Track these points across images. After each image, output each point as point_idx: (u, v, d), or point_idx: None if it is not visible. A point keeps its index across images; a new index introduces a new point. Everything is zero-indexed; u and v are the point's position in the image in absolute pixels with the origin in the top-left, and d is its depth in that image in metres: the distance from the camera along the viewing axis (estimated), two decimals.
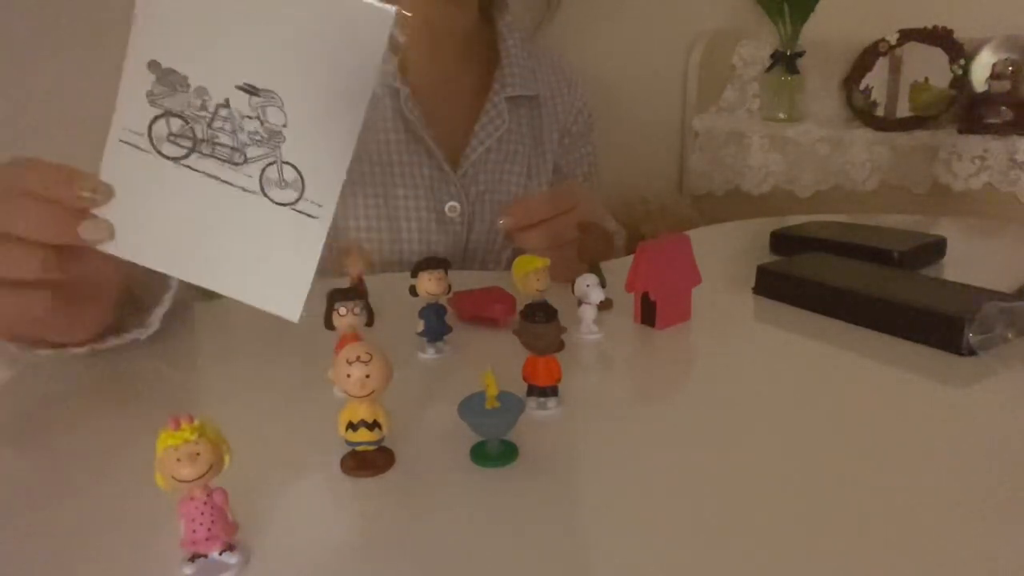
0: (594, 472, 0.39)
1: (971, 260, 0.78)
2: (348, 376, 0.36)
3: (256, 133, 0.45)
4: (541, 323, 0.42)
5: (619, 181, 1.06)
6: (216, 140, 0.45)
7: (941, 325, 0.53)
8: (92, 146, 0.47)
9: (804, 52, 1.54)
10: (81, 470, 0.41)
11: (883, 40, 1.46)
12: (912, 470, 0.38)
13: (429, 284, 0.53)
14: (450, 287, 0.54)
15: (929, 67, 1.43)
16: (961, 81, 1.38)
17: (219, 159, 0.45)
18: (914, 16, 1.43)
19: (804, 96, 1.58)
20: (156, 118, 0.45)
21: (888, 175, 1.42)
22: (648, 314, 0.59)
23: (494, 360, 0.41)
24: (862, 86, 1.50)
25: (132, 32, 0.44)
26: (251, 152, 0.45)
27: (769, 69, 1.58)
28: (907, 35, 1.44)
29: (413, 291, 0.53)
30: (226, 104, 0.45)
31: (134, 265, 0.46)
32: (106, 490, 0.38)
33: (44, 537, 0.35)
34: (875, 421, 0.44)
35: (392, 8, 0.44)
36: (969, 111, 1.34)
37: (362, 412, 0.37)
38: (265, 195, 0.46)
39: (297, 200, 0.46)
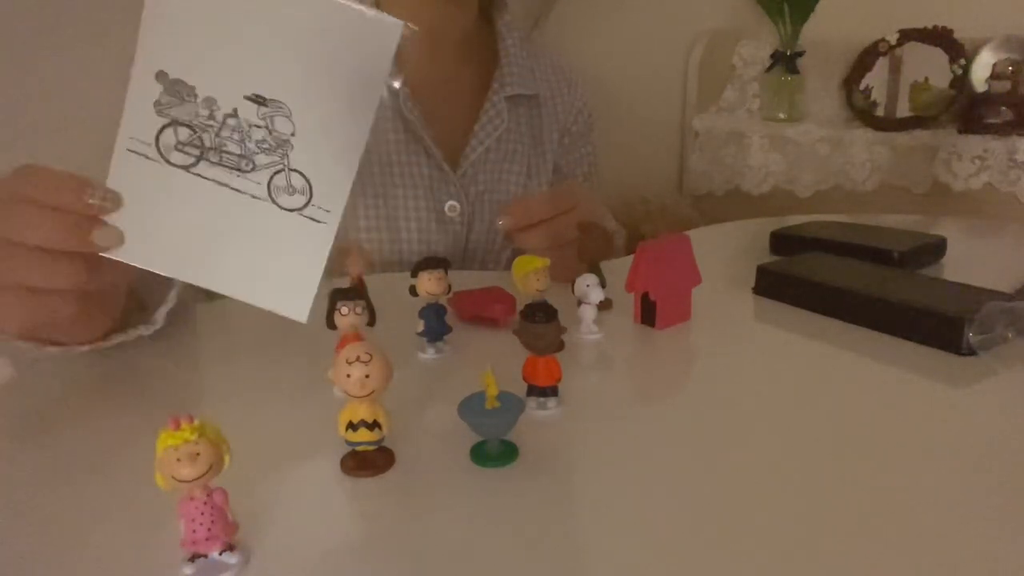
0: (594, 472, 0.39)
1: (971, 260, 0.78)
2: (348, 376, 0.36)
3: (264, 142, 0.46)
4: (541, 323, 0.42)
5: (619, 181, 1.06)
6: (224, 148, 0.45)
7: (941, 325, 0.53)
8: (93, 146, 0.48)
9: (804, 52, 1.54)
10: (82, 469, 0.41)
11: (883, 40, 1.47)
12: (912, 470, 0.38)
13: (429, 284, 0.53)
14: (450, 287, 0.54)
15: (929, 67, 1.43)
16: (961, 81, 1.38)
17: (227, 167, 0.46)
18: (914, 16, 1.43)
19: (804, 96, 1.58)
20: (164, 127, 0.45)
21: (888, 175, 1.42)
22: (648, 314, 0.59)
23: (494, 360, 0.41)
24: (862, 86, 1.50)
25: (139, 42, 0.44)
26: (259, 160, 0.46)
27: (769, 69, 1.58)
28: (907, 35, 1.44)
29: (413, 291, 0.53)
30: (234, 114, 0.45)
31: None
32: (106, 489, 0.38)
33: (44, 536, 0.35)
34: (875, 421, 0.44)
35: (399, 21, 0.45)
36: (969, 111, 1.34)
37: (362, 412, 0.37)
38: (273, 201, 0.46)
39: (305, 206, 0.46)
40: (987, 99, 1.33)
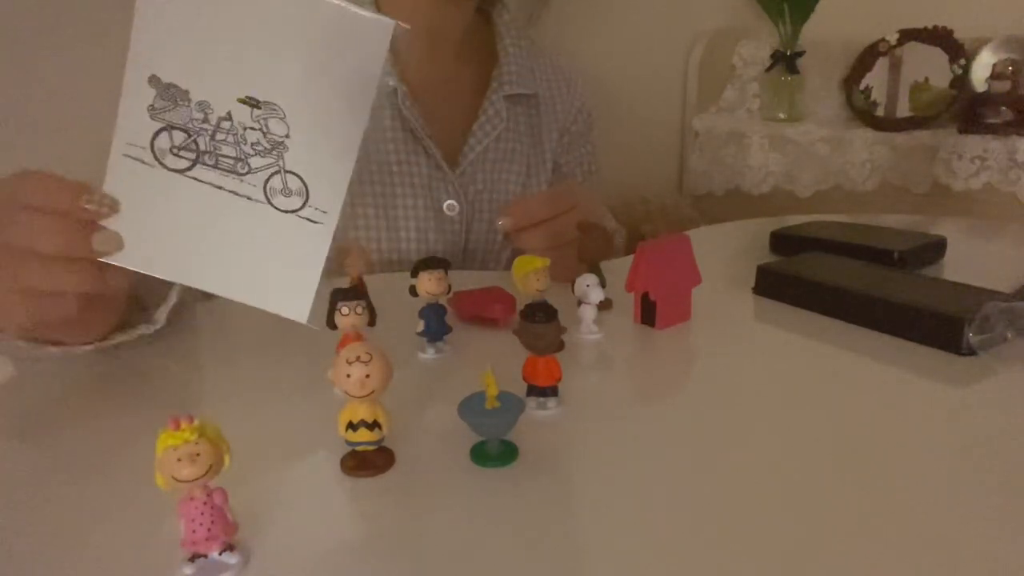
0: (594, 472, 0.39)
1: (971, 260, 0.78)
2: (348, 376, 0.36)
3: (259, 144, 0.46)
4: (541, 323, 0.42)
5: (619, 181, 1.06)
6: (219, 152, 0.45)
7: (941, 325, 0.53)
8: (93, 146, 0.48)
9: (804, 52, 1.54)
10: (82, 469, 0.41)
11: (883, 40, 1.47)
12: (912, 470, 0.38)
13: (429, 284, 0.53)
14: (450, 287, 0.54)
15: (929, 67, 1.43)
16: (961, 81, 1.38)
17: (223, 170, 0.46)
18: (914, 16, 1.43)
19: (804, 96, 1.58)
20: (158, 132, 0.45)
21: (888, 175, 1.42)
22: (648, 314, 0.59)
23: (494, 360, 0.41)
24: (862, 86, 1.50)
25: (131, 47, 0.44)
26: (255, 162, 0.46)
27: (769, 69, 1.58)
28: (907, 35, 1.44)
29: (413, 291, 0.53)
30: (228, 117, 0.45)
31: None
32: (107, 489, 0.38)
33: (44, 536, 0.35)
34: (875, 421, 0.44)
35: (391, 20, 0.45)
36: (969, 111, 1.34)
37: (362, 412, 0.37)
38: (270, 203, 0.46)
39: (302, 207, 0.47)
40: (987, 99, 1.33)
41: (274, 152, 0.46)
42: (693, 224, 0.97)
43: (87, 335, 0.53)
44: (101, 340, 0.54)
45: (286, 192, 0.46)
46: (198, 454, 0.29)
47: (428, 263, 0.53)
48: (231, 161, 0.46)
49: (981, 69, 1.37)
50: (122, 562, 0.33)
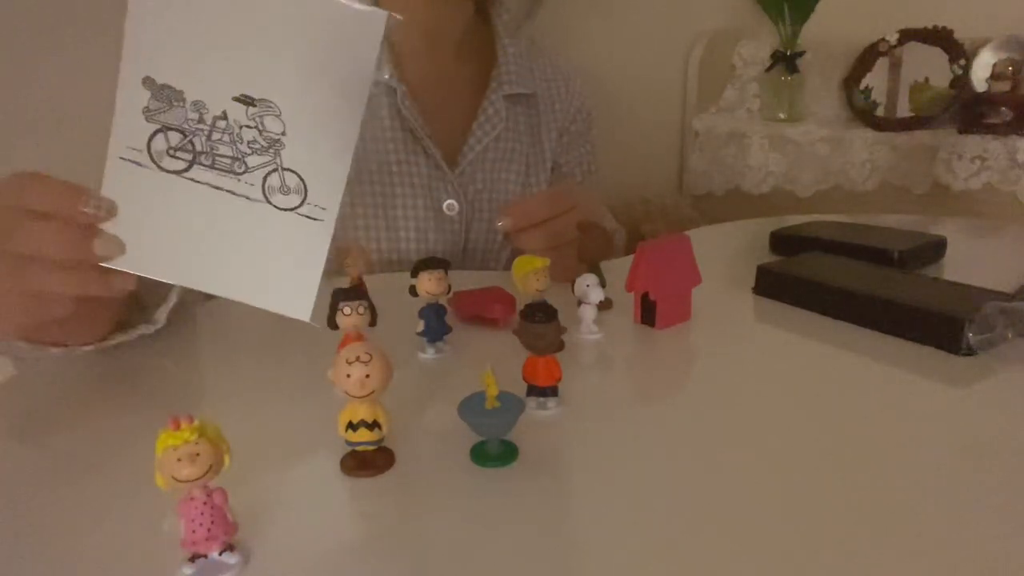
0: (594, 472, 0.39)
1: (971, 260, 0.78)
2: (348, 376, 0.36)
3: (255, 142, 0.45)
4: (541, 323, 0.42)
5: (619, 181, 1.06)
6: (216, 151, 0.45)
7: (941, 325, 0.53)
8: (90, 146, 0.48)
9: (804, 52, 1.54)
10: (82, 469, 0.41)
11: (883, 40, 1.46)
12: (911, 470, 0.38)
13: (429, 284, 0.53)
14: (450, 287, 0.54)
15: (929, 67, 1.43)
16: (961, 81, 1.38)
17: (220, 170, 0.46)
18: (914, 16, 1.43)
19: (804, 96, 1.58)
20: (154, 133, 0.45)
21: (888, 175, 1.42)
22: (648, 314, 0.59)
23: (494, 360, 0.41)
24: (862, 86, 1.50)
25: (124, 50, 0.44)
26: (252, 161, 0.46)
27: (769, 69, 1.58)
28: (907, 35, 1.44)
29: (413, 291, 0.53)
30: (224, 116, 0.45)
31: None
32: (107, 489, 0.38)
33: (44, 536, 0.35)
34: (875, 421, 0.44)
35: (384, 12, 0.44)
36: (969, 111, 1.34)
37: (362, 412, 0.37)
38: (269, 202, 0.46)
39: (300, 204, 0.46)
40: (987, 99, 1.33)
41: (271, 150, 0.46)
42: (693, 224, 0.97)
43: (87, 335, 0.53)
44: (101, 340, 0.54)
45: (284, 190, 0.46)
46: (198, 454, 0.29)
47: (428, 263, 0.53)
48: (228, 161, 0.46)
49: (981, 69, 1.37)
50: (122, 562, 0.33)
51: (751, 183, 1.56)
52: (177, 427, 0.30)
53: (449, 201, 0.84)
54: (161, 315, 0.56)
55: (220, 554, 0.31)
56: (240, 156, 0.46)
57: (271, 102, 0.45)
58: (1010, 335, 0.53)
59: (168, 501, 0.31)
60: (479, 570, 0.32)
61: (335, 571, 0.32)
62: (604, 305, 0.57)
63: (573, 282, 0.57)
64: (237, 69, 0.45)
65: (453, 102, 0.87)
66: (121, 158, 0.45)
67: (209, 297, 0.57)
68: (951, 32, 1.40)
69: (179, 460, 0.29)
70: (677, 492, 0.37)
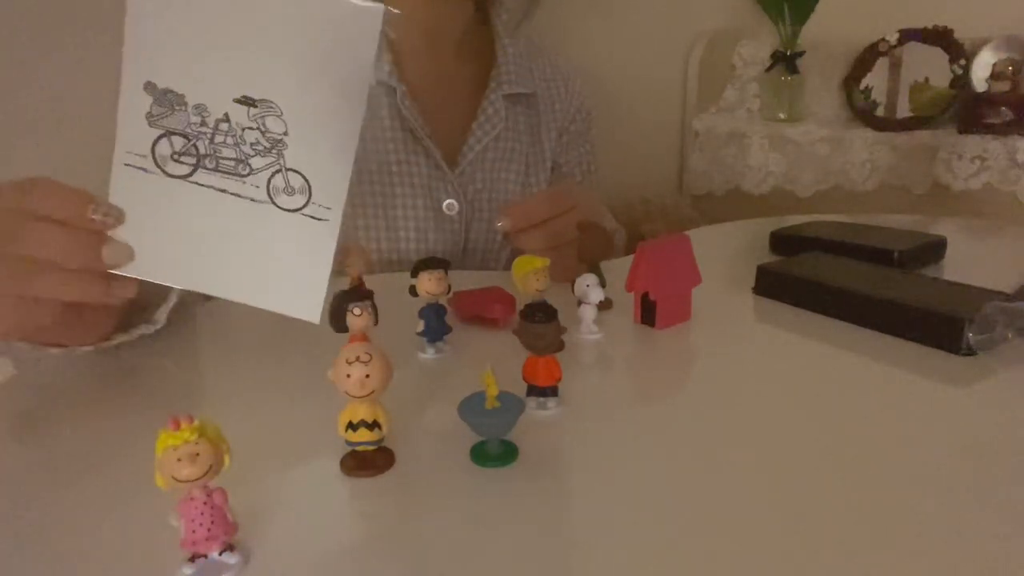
0: (594, 472, 0.39)
1: (971, 260, 0.78)
2: (348, 376, 0.36)
3: (258, 143, 0.46)
4: (541, 323, 0.42)
5: (619, 181, 1.06)
6: (220, 154, 0.45)
7: (941, 325, 0.53)
8: (93, 148, 0.48)
9: (804, 52, 1.54)
10: (82, 469, 0.41)
11: (883, 40, 1.46)
12: (911, 469, 0.38)
13: (429, 284, 0.53)
14: (450, 287, 0.54)
15: (929, 67, 1.43)
16: (961, 81, 1.38)
17: (225, 173, 0.46)
18: (914, 16, 1.43)
19: (804, 96, 1.58)
20: (158, 138, 0.45)
21: (888, 175, 1.42)
22: (648, 314, 0.59)
23: (494, 360, 0.41)
24: (862, 86, 1.50)
25: (124, 56, 0.44)
26: (255, 163, 0.46)
27: (769, 69, 1.58)
28: (907, 35, 1.44)
29: (413, 291, 0.53)
30: (226, 118, 0.45)
31: None
32: (106, 489, 0.38)
33: (44, 536, 0.35)
34: (875, 421, 0.44)
35: (380, 5, 0.44)
36: (969, 111, 1.34)
37: (362, 412, 0.37)
38: (274, 203, 0.46)
39: (305, 205, 0.47)
40: (987, 99, 1.33)
41: (274, 151, 0.46)
42: (693, 224, 0.97)
43: (87, 338, 0.53)
44: (101, 340, 0.54)
45: (289, 191, 0.46)
46: (198, 454, 0.29)
47: (428, 263, 0.53)
48: (232, 163, 0.46)
49: (981, 69, 1.37)
50: (122, 562, 0.33)
51: (751, 183, 1.56)
52: (177, 427, 0.30)
53: (449, 201, 0.84)
54: (161, 315, 0.56)
55: (220, 554, 0.31)
56: (244, 158, 0.46)
57: (272, 102, 0.45)
58: (1010, 335, 0.53)
59: (168, 501, 0.31)
60: (479, 570, 0.32)
61: (335, 571, 0.32)
62: (604, 305, 0.58)
63: (573, 282, 0.57)
64: (237, 70, 0.45)
65: (453, 102, 0.87)
66: (126, 164, 0.45)
67: (208, 297, 0.56)
68: (951, 32, 1.40)
69: (179, 460, 0.29)
70: (677, 492, 0.37)
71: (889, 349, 0.54)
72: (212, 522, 0.30)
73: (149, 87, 0.44)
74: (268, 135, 0.46)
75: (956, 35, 1.39)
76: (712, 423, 0.44)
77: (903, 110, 1.46)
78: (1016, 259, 0.80)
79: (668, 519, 0.35)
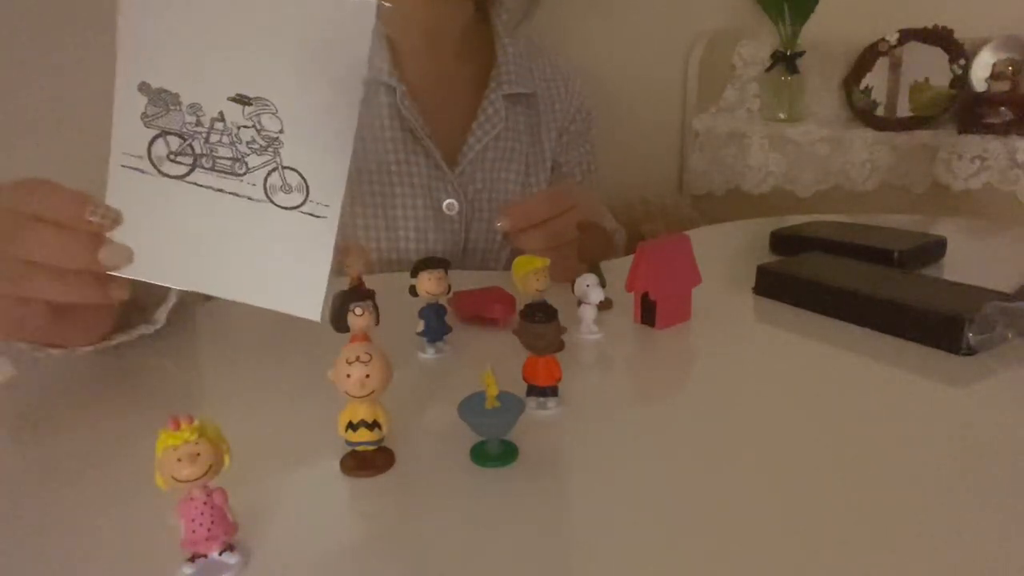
0: (594, 472, 0.39)
1: (971, 260, 0.78)
2: (348, 376, 0.36)
3: (254, 142, 0.45)
4: (541, 323, 0.42)
5: (619, 181, 1.06)
6: (216, 154, 0.45)
7: (941, 325, 0.53)
8: (90, 147, 0.48)
9: (804, 52, 1.54)
10: (82, 469, 0.41)
11: (883, 40, 1.46)
12: (911, 469, 0.38)
13: (429, 284, 0.53)
14: (450, 287, 0.54)
15: (929, 67, 1.43)
16: (961, 81, 1.38)
17: (222, 172, 0.46)
18: (914, 16, 1.43)
19: (804, 96, 1.58)
20: (154, 139, 0.45)
21: (888, 175, 1.42)
22: (648, 314, 0.59)
23: (494, 360, 0.41)
24: (862, 86, 1.50)
25: (118, 55, 0.44)
26: (252, 161, 0.46)
27: (769, 69, 1.58)
28: (907, 35, 1.44)
29: (413, 291, 0.53)
30: (221, 117, 0.45)
31: None
32: (106, 489, 0.38)
33: (43, 536, 0.35)
34: (875, 421, 0.44)
35: (373, 1, 0.44)
36: (969, 111, 1.34)
37: (362, 412, 0.37)
38: (271, 201, 0.46)
39: (303, 203, 0.46)
40: (987, 99, 1.33)
41: (270, 149, 0.46)
42: (693, 224, 0.97)
43: (85, 337, 0.53)
44: (101, 340, 0.54)
45: (286, 189, 0.46)
46: (198, 454, 0.29)
47: (428, 263, 0.53)
48: (228, 162, 0.45)
49: (981, 69, 1.37)
50: (122, 562, 0.33)
51: (751, 183, 1.56)
52: (177, 427, 0.30)
53: (449, 201, 0.84)
54: (161, 315, 0.56)
55: (220, 554, 0.31)
56: (240, 157, 0.45)
57: (267, 100, 0.45)
58: (1010, 335, 0.53)
59: (168, 501, 0.31)
60: (479, 570, 0.32)
61: (335, 571, 0.32)
62: (604, 305, 0.58)
63: (573, 282, 0.57)
64: (231, 68, 0.45)
65: (453, 102, 0.87)
66: (123, 166, 0.45)
67: (209, 297, 0.56)
68: (951, 32, 1.40)
69: (179, 460, 0.29)
70: (677, 492, 0.37)
71: (889, 349, 0.54)
72: (212, 522, 0.30)
73: (143, 87, 0.44)
74: (264, 133, 0.45)
75: (956, 35, 1.39)
76: (712, 423, 0.44)
77: (903, 110, 1.46)
78: (1016, 259, 0.80)
79: (668, 519, 0.35)
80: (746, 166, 1.56)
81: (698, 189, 1.67)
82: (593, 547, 0.33)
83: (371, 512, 0.36)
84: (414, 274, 0.53)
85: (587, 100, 1.01)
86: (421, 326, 0.54)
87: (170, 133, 0.45)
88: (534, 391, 0.45)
